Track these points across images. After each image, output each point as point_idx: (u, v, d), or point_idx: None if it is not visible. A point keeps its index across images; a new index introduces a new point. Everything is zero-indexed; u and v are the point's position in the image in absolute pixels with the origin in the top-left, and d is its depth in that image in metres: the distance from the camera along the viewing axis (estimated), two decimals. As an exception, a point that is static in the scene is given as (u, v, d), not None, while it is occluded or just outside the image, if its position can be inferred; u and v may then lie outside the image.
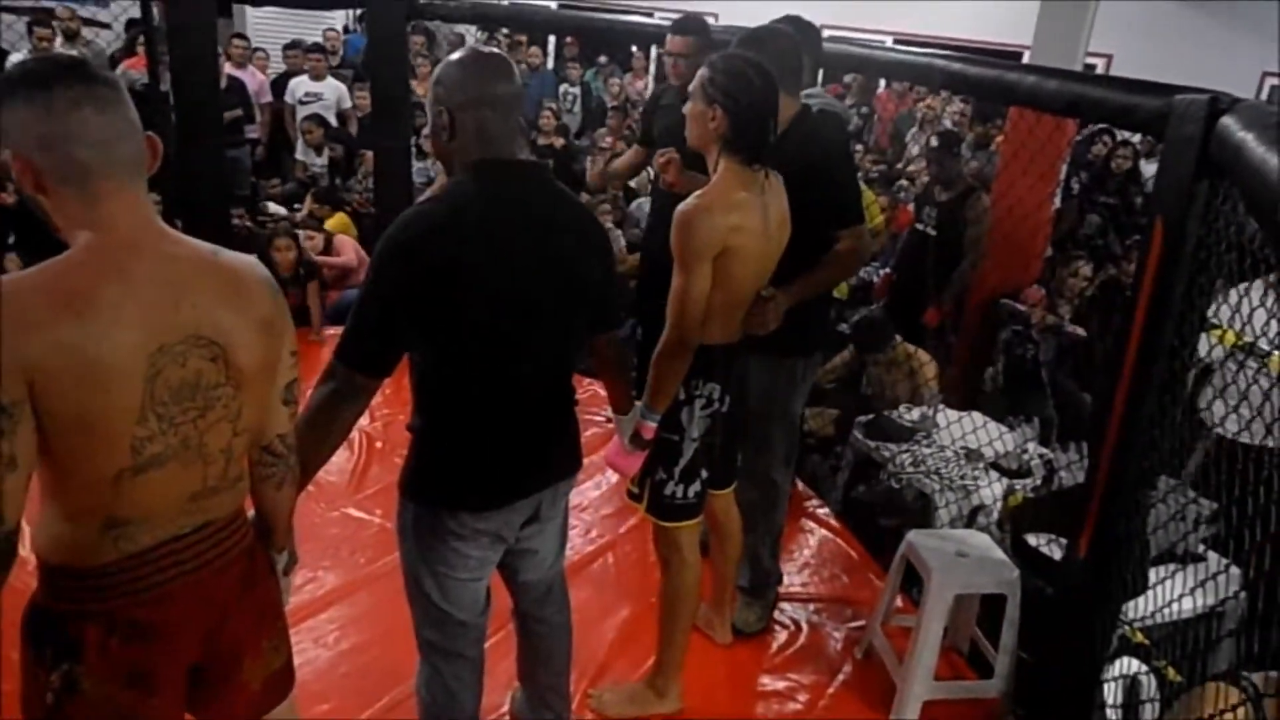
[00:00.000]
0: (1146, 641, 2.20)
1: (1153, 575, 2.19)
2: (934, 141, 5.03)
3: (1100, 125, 5.79)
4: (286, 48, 7.35)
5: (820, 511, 3.48)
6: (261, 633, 1.44)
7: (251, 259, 1.34)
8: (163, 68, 4.28)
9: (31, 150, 1.15)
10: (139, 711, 1.29)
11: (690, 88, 2.04)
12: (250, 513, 1.48)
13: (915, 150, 6.56)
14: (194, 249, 1.26)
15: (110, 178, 1.17)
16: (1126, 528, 2.07)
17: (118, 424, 1.16)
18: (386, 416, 3.70)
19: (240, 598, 1.38)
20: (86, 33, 6.43)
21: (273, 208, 5.12)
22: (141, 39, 5.07)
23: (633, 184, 5.86)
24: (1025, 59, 5.46)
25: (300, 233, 4.82)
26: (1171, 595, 2.09)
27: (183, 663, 1.34)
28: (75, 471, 1.18)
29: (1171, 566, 2.39)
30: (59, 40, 5.91)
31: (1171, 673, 2.03)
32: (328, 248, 5.05)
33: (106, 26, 6.88)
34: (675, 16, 3.03)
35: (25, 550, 1.19)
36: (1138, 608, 2.16)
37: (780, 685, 2.60)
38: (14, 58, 5.73)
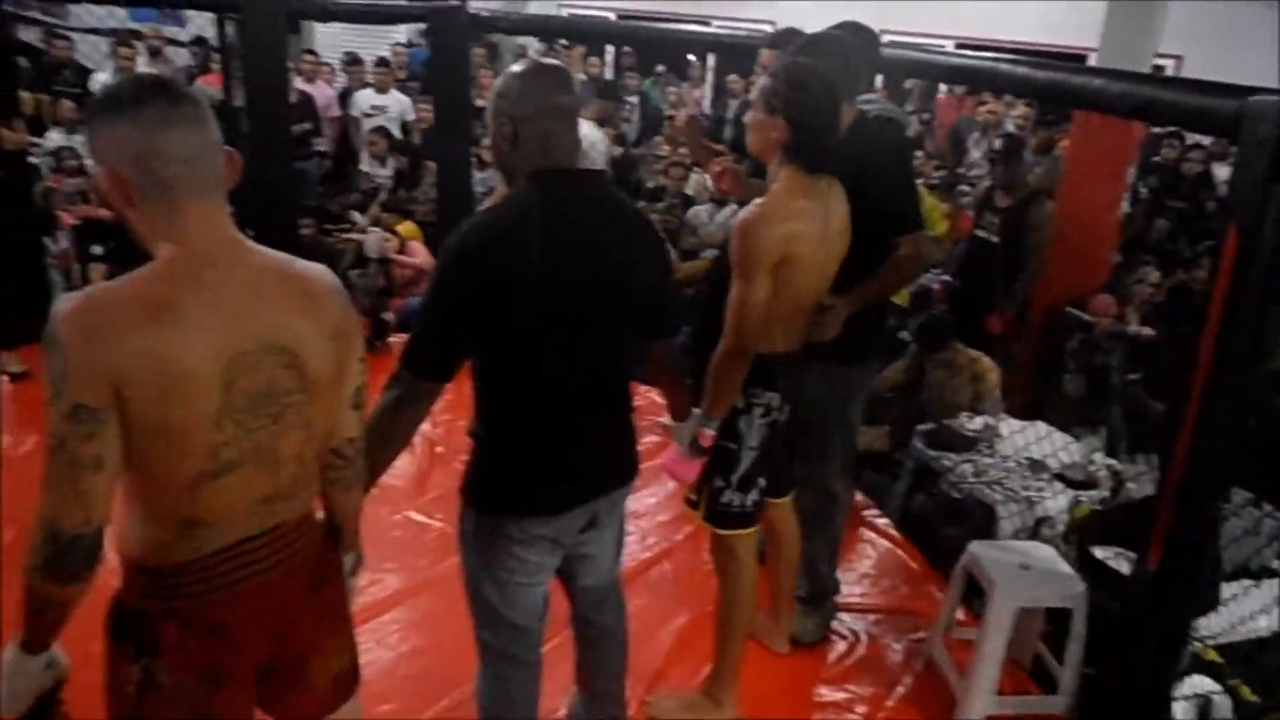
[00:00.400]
0: (1220, 659, 2.14)
1: (1225, 591, 2.12)
2: (998, 144, 4.96)
3: (1169, 128, 5.64)
4: (348, 63, 7.53)
5: (879, 521, 3.44)
6: (329, 633, 1.47)
7: (322, 268, 1.38)
8: (236, 83, 4.43)
9: (122, 166, 1.19)
10: (212, 706, 1.33)
11: (751, 97, 2.04)
12: (320, 516, 1.51)
13: (977, 155, 6.46)
14: (270, 259, 1.30)
15: (194, 193, 1.22)
16: (1198, 542, 2.01)
17: (196, 429, 1.20)
18: (447, 422, 3.76)
19: (309, 599, 1.42)
20: (166, 51, 6.68)
21: (357, 217, 5.24)
22: (217, 56, 5.26)
23: (689, 191, 5.87)
24: (1092, 61, 5.34)
25: (377, 234, 4.97)
26: (1245, 612, 2.03)
27: (252, 661, 1.37)
28: (155, 475, 1.23)
29: (1245, 583, 2.31)
30: (142, 59, 6.14)
31: (1246, 692, 1.97)
32: (402, 250, 5.19)
33: (184, 45, 7.13)
34: (732, 25, 3.05)
35: (108, 549, 1.24)
36: (1210, 624, 2.10)
37: (838, 696, 2.57)
38: (98, 76, 5.98)
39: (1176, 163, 6.02)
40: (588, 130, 3.84)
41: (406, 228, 5.52)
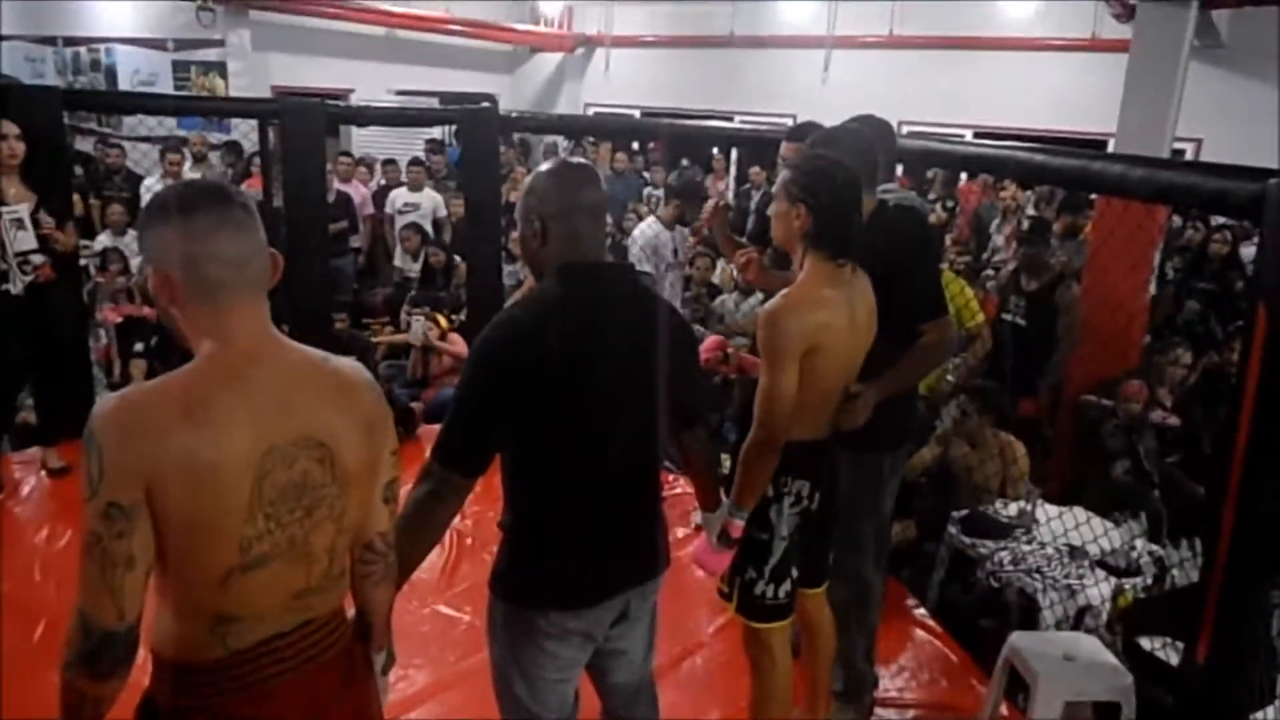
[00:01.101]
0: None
1: (1282, 683, 2.04)
2: (1025, 225, 4.98)
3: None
4: (385, 163, 7.81)
5: (917, 612, 3.36)
6: None
7: (354, 362, 1.41)
8: (275, 185, 4.60)
9: (172, 267, 1.24)
10: None
11: (774, 188, 2.09)
12: (350, 612, 1.51)
13: (1000, 241, 6.50)
14: (303, 354, 1.33)
15: (238, 294, 1.26)
16: (1249, 630, 1.95)
17: (228, 524, 1.21)
18: (476, 514, 3.76)
19: (339, 696, 1.40)
20: (211, 156, 6.97)
21: (415, 322, 5.37)
22: (258, 160, 5.47)
23: (715, 280, 5.95)
24: (1110, 147, 5.40)
25: (421, 321, 5.10)
26: (1304, 705, 1.95)
27: None
28: (186, 569, 1.23)
29: (1302, 674, 2.22)
30: (188, 164, 6.40)
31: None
32: (442, 339, 5.29)
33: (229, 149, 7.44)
34: (753, 120, 3.14)
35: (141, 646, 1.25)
36: (1266, 717, 2.01)
37: (880, 797, 2.47)
38: (147, 181, 6.24)
39: (1203, 244, 6.02)
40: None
41: (443, 322, 5.65)
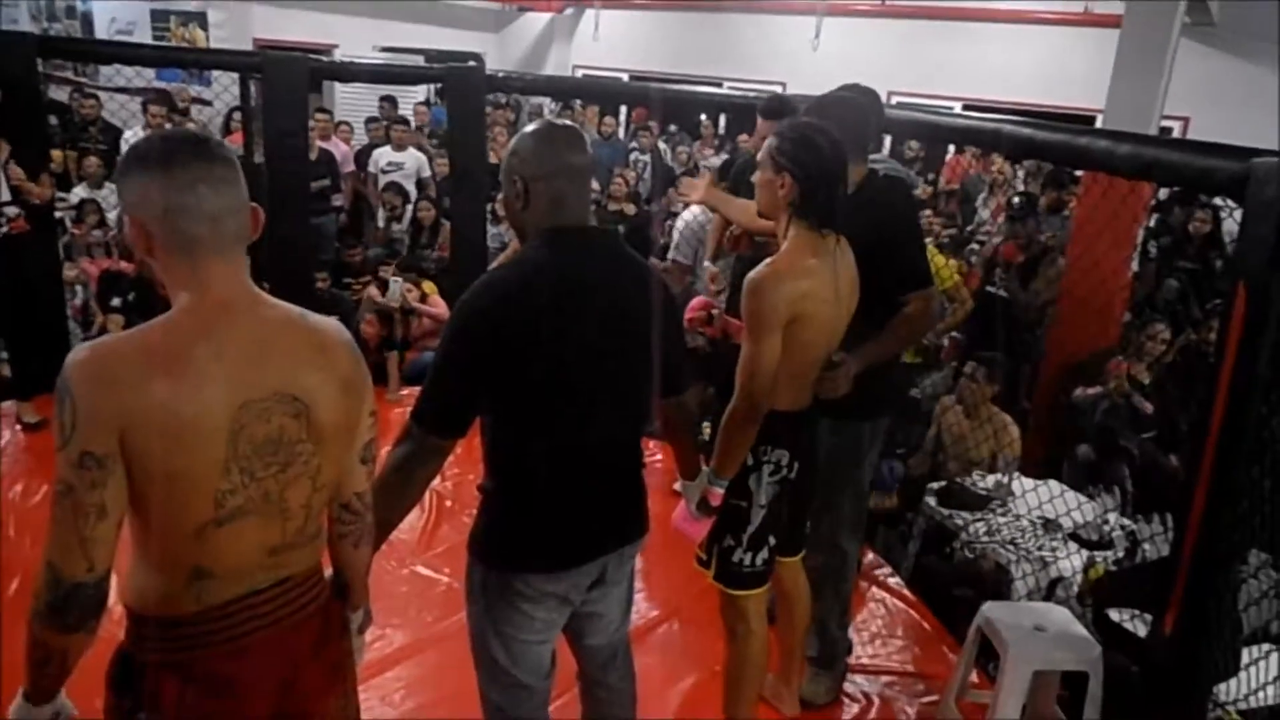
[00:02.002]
0: (1242, 726, 2.09)
1: (1245, 655, 2.08)
2: (1016, 201, 4.99)
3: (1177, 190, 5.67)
4: (368, 121, 7.69)
5: (891, 581, 3.40)
6: (332, 690, 1.45)
7: (335, 322, 1.39)
8: (256, 141, 4.53)
9: (150, 219, 1.22)
10: None
11: (759, 156, 2.07)
12: (327, 571, 1.51)
13: (985, 215, 6.51)
14: (283, 311, 1.32)
15: (217, 249, 1.24)
16: (1216, 604, 1.98)
17: (202, 477, 1.21)
18: (456, 476, 3.76)
19: (313, 654, 1.40)
20: (192, 110, 6.84)
21: (392, 284, 5.34)
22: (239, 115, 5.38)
23: (701, 249, 5.92)
24: (1098, 123, 5.40)
25: (398, 283, 5.05)
26: (1267, 677, 1.99)
27: (255, 717, 1.35)
28: (161, 523, 1.23)
29: (1266, 647, 2.27)
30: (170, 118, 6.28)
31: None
32: (423, 302, 5.26)
33: (209, 104, 7.31)
34: (742, 87, 3.11)
35: (113, 600, 1.24)
36: (1229, 690, 2.05)
37: (850, 761, 2.52)
38: (128, 134, 6.13)
39: (1185, 223, 6.04)
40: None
41: (426, 285, 5.62)
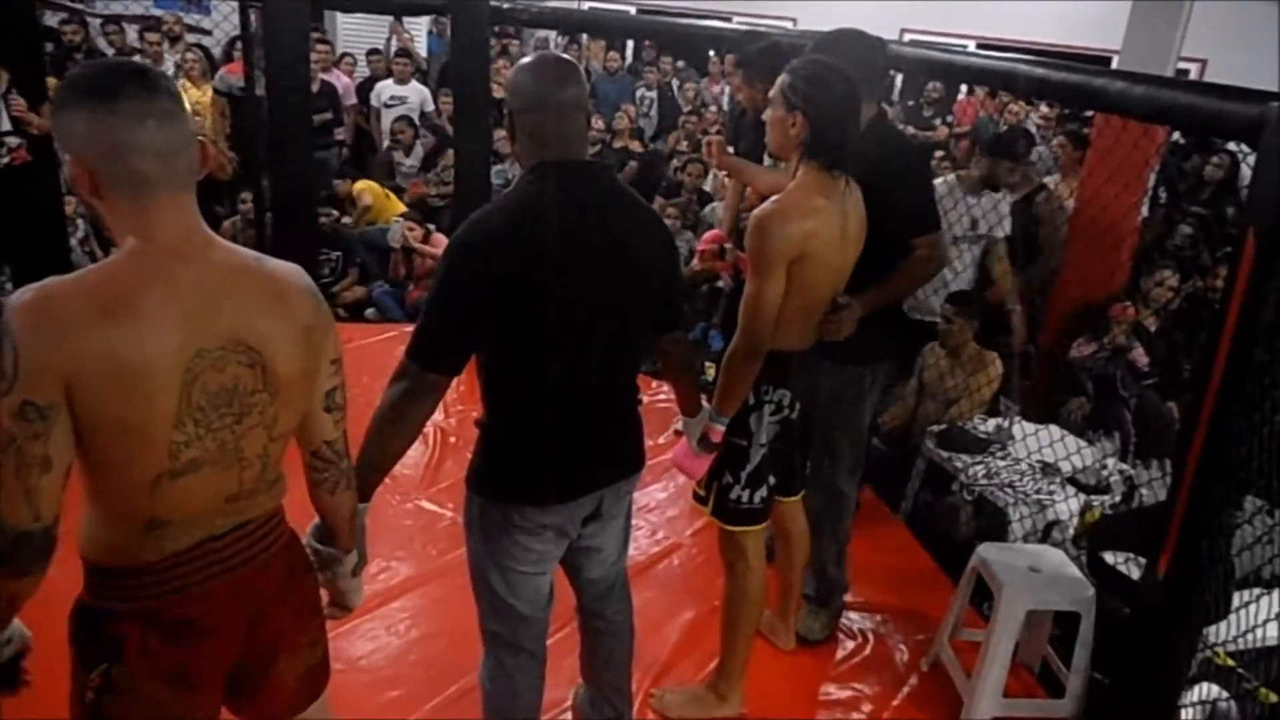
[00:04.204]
0: (1234, 665, 2.13)
1: (1236, 599, 2.11)
2: (1002, 133, 4.87)
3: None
4: (370, 53, 7.56)
5: (890, 521, 3.44)
6: (299, 629, 1.45)
7: (295, 267, 1.34)
8: (258, 72, 4.46)
9: (93, 157, 1.15)
10: (177, 709, 1.31)
11: (770, 94, 2.04)
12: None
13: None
14: (238, 256, 1.27)
15: (164, 188, 1.18)
16: (1210, 549, 2.00)
17: (155, 428, 1.17)
18: (460, 412, 3.78)
19: (279, 595, 1.39)
20: (187, 38, 6.72)
21: (394, 224, 5.34)
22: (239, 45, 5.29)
23: (707, 188, 5.87)
24: (1115, 64, 5.30)
25: (399, 223, 5.04)
26: (1256, 620, 2.02)
27: (222, 661, 1.35)
28: (114, 474, 1.20)
29: (1257, 591, 2.30)
30: (166, 45, 6.18)
31: (1265, 694, 1.96)
32: (426, 240, 5.24)
33: (208, 33, 7.18)
34: (752, 22, 3.05)
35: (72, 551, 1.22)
36: (1219, 632, 2.09)
37: (844, 694, 2.58)
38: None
39: (1200, 168, 5.95)
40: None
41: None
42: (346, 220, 5.67)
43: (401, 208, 5.79)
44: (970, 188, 3.84)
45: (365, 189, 5.78)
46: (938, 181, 3.75)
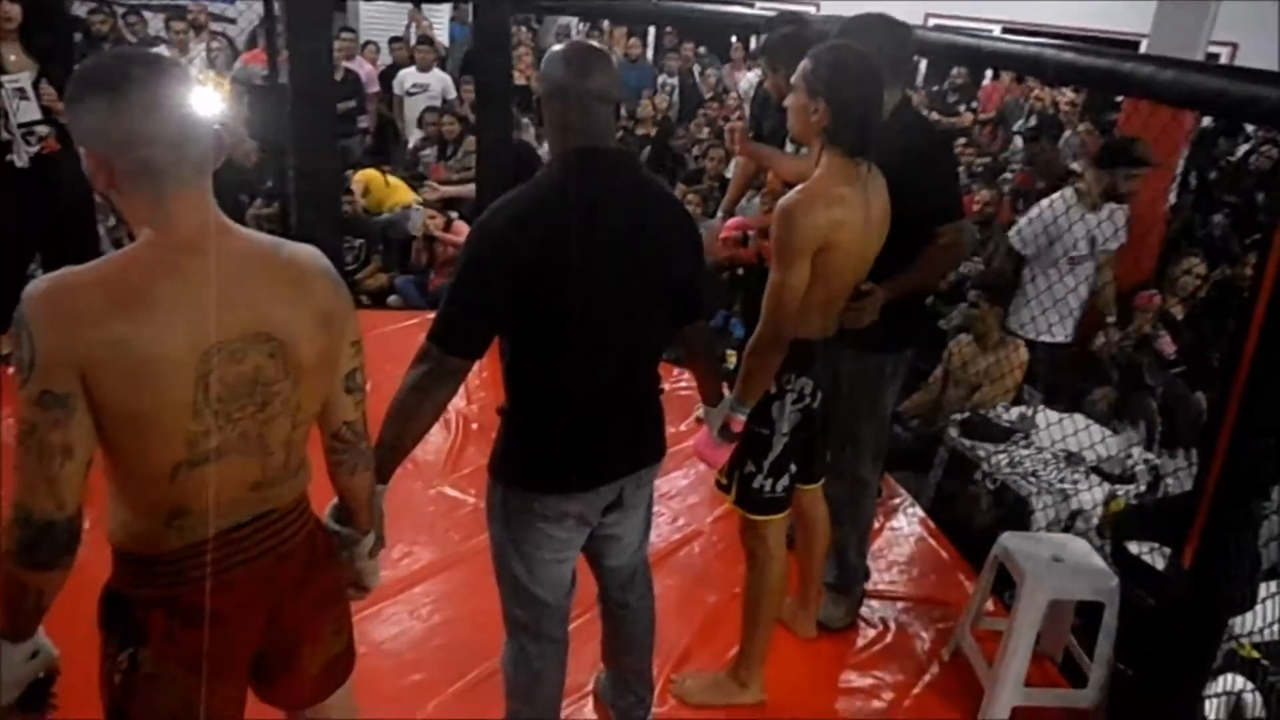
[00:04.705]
0: (1258, 657, 2.11)
1: (1262, 590, 2.09)
2: (1033, 124, 4.83)
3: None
4: (392, 40, 7.58)
5: (911, 509, 3.43)
6: (322, 618, 1.45)
7: (313, 250, 1.34)
8: (281, 60, 4.47)
9: (107, 149, 1.15)
10: (201, 695, 1.31)
11: (793, 79, 2.03)
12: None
13: (1020, 143, 6.35)
14: (255, 244, 1.27)
15: (180, 178, 1.17)
16: (1236, 540, 1.98)
17: (171, 419, 1.17)
18: (483, 399, 3.80)
19: (301, 584, 1.39)
20: (215, 26, 6.77)
21: (414, 213, 5.36)
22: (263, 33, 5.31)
23: (729, 175, 5.84)
24: (1143, 49, 5.22)
25: (420, 211, 5.05)
26: (1282, 612, 2.00)
27: (244, 648, 1.36)
28: (134, 463, 1.21)
29: (1284, 582, 2.28)
30: (192, 34, 6.22)
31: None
32: (448, 228, 5.26)
33: (232, 22, 7.22)
34: (774, 7, 3.02)
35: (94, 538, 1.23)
36: (1244, 623, 2.07)
37: (864, 683, 2.58)
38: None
39: (1245, 156, 5.83)
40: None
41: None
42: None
43: (409, 196, 5.78)
44: (1092, 204, 3.62)
45: (362, 179, 5.77)
46: (1053, 199, 3.66)
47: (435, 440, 3.50)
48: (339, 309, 1.33)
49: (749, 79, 7.10)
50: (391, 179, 5.88)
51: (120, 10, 6.65)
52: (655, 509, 2.11)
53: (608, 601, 2.05)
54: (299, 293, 1.27)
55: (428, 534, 3.02)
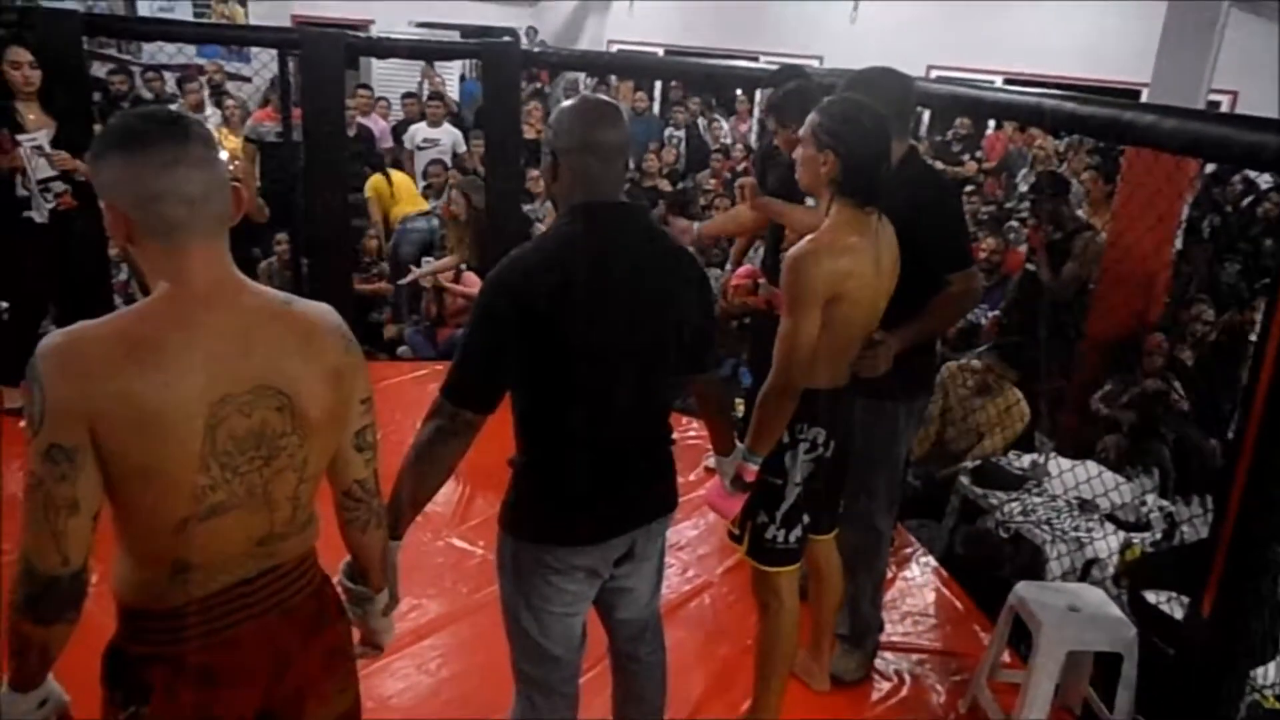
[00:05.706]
0: None
1: (1284, 640, 2.06)
2: (1034, 179, 4.88)
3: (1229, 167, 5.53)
4: (404, 96, 7.72)
5: (924, 560, 3.39)
6: (328, 676, 1.42)
7: (326, 307, 1.34)
8: (294, 118, 4.57)
9: (127, 205, 1.17)
10: None
11: (801, 132, 2.06)
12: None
13: (1025, 189, 6.41)
14: (266, 299, 1.27)
15: (197, 233, 1.19)
16: (1255, 588, 1.96)
17: (179, 472, 1.17)
18: (493, 450, 3.78)
19: (307, 641, 1.37)
20: (229, 86, 6.92)
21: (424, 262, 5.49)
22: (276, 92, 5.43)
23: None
24: (1144, 97, 5.28)
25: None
26: (1306, 662, 1.96)
27: (246, 707, 1.33)
28: (140, 516, 1.20)
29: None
30: (207, 93, 6.35)
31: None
32: (457, 279, 5.30)
33: (248, 80, 7.38)
34: (778, 62, 3.08)
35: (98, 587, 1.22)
36: (1267, 674, 2.03)
37: (880, 737, 2.53)
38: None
39: (1253, 204, 5.85)
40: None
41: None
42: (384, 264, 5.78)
43: (420, 205, 5.95)
44: None
45: (370, 189, 5.98)
46: None
47: (444, 491, 3.41)
48: (349, 365, 1.33)
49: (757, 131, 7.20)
50: (398, 186, 6.00)
51: (138, 69, 6.81)
52: (665, 560, 2.09)
53: (619, 655, 2.02)
54: (309, 348, 1.28)
55: (436, 586, 3.00)
